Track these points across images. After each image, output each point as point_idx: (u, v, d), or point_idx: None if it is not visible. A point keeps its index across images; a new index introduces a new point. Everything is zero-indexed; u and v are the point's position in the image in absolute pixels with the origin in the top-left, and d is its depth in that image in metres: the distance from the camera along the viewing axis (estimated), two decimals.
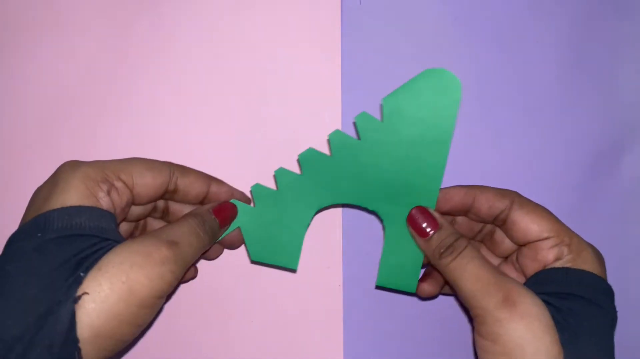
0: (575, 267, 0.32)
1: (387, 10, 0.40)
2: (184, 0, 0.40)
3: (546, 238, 0.33)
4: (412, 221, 0.34)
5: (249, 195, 0.37)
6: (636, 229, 0.40)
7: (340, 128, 0.40)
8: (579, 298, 0.30)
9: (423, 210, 0.34)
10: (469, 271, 0.31)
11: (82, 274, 0.26)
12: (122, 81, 0.40)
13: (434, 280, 0.36)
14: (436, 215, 0.34)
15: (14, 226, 0.41)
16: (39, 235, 0.27)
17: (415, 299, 0.40)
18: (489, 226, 0.36)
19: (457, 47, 0.40)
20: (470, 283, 0.31)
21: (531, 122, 0.40)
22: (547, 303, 0.30)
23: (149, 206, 0.35)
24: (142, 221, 0.37)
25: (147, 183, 0.32)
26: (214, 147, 0.40)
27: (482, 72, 0.40)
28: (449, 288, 0.37)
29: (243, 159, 0.37)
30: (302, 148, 0.35)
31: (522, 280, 0.34)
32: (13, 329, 0.25)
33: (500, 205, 0.34)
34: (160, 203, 0.36)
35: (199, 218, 0.33)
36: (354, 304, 0.39)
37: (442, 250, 0.33)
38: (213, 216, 0.34)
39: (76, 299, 0.26)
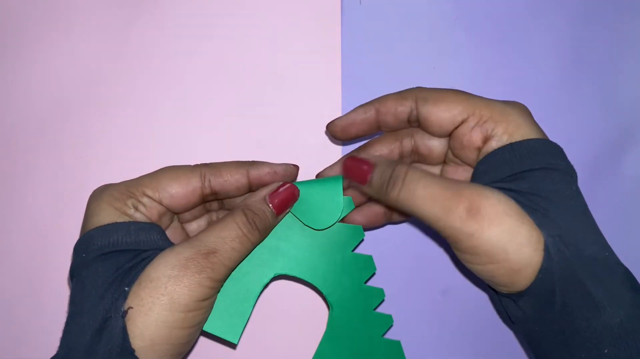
0: (514, 140, 0.29)
1: (387, 10, 0.40)
2: (183, 0, 0.40)
3: (463, 121, 0.30)
4: (348, 173, 0.32)
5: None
6: (636, 229, 0.40)
7: None
8: (533, 171, 0.28)
9: (353, 158, 0.32)
10: (419, 195, 0.28)
11: (126, 289, 0.28)
12: (121, 81, 0.40)
13: (364, 211, 0.35)
14: (366, 155, 0.32)
15: (15, 226, 0.41)
16: (84, 255, 0.29)
17: (413, 299, 0.40)
18: (407, 144, 0.34)
19: (457, 47, 0.40)
20: (428, 207, 0.28)
21: None
22: (507, 190, 0.28)
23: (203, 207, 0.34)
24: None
25: (174, 194, 0.31)
26: (214, 147, 0.40)
27: (482, 72, 0.40)
28: (397, 215, 0.35)
29: (243, 159, 0.37)
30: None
31: (470, 171, 0.32)
32: (77, 342, 0.27)
33: (403, 108, 0.31)
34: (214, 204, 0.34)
35: (249, 213, 0.30)
36: None
37: (385, 186, 0.30)
38: (267, 206, 0.31)
39: (123, 314, 0.27)
